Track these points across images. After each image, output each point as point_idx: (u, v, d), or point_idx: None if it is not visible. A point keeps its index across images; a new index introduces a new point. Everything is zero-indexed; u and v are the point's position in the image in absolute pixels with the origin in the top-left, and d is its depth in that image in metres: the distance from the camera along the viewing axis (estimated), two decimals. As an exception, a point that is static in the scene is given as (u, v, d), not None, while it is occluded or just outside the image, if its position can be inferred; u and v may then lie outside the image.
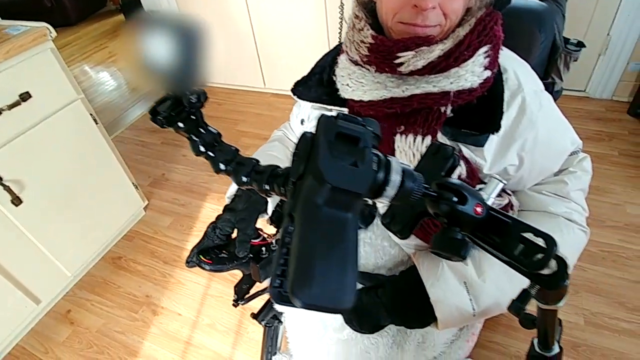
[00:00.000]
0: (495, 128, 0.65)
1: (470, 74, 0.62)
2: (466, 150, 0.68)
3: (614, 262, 1.56)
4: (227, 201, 0.88)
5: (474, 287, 0.67)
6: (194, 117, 0.40)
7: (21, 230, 1.47)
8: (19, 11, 4.19)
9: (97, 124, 1.69)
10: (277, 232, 1.03)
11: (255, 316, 1.03)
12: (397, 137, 0.66)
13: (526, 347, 0.59)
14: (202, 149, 0.42)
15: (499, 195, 0.74)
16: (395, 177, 0.32)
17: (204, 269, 0.81)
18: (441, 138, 0.66)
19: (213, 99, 3.07)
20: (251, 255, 0.90)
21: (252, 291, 1.03)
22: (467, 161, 0.67)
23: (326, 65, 0.81)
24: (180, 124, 0.40)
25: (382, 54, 0.63)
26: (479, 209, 0.34)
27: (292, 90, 0.83)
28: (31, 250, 1.52)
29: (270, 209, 0.88)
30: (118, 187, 1.88)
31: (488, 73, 0.63)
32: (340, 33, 1.31)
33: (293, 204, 0.29)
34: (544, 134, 0.68)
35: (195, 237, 1.95)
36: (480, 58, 0.62)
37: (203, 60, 0.35)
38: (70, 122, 1.59)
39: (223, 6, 2.68)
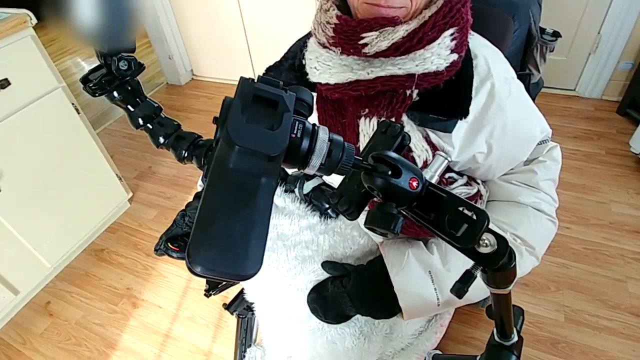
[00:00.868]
0: (463, 114, 0.64)
1: (437, 57, 0.61)
2: (434, 137, 0.66)
3: (597, 260, 1.55)
4: (198, 188, 0.86)
5: (438, 276, 0.66)
6: (129, 88, 0.39)
7: (-2, 219, 1.44)
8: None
9: (79, 113, 1.67)
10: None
11: (227, 307, 1.02)
12: (361, 120, 0.65)
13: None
14: (140, 121, 0.40)
15: (468, 184, 0.73)
16: (321, 146, 0.30)
17: (171, 256, 0.80)
18: (408, 123, 0.65)
19: (203, 92, 3.05)
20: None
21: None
22: (434, 147, 0.66)
23: (297, 50, 0.80)
24: (116, 94, 0.38)
25: (347, 35, 0.61)
26: (414, 183, 0.33)
27: (263, 75, 0.82)
28: (8, 240, 1.50)
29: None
30: (101, 178, 1.85)
31: (455, 56, 0.62)
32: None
33: (207, 169, 0.28)
34: (513, 121, 0.66)
35: (179, 230, 1.93)
36: (446, 40, 0.61)
37: (130, 18, 0.33)
38: (51, 111, 1.56)
39: (214, -1, 2.66)
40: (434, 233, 0.34)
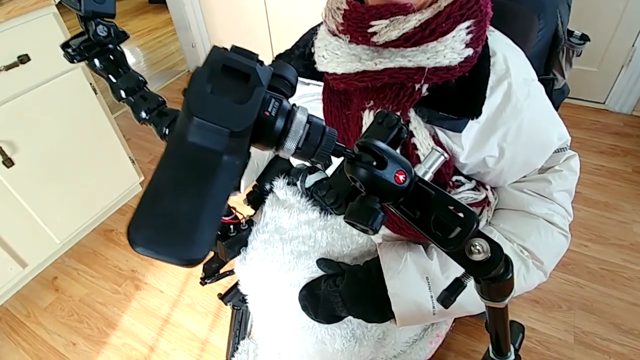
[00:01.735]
0: (476, 113, 0.60)
1: (450, 51, 0.57)
2: (442, 135, 0.63)
3: (614, 282, 1.47)
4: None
5: (436, 283, 0.63)
6: (112, 57, 0.37)
7: (11, 191, 1.47)
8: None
9: (96, 94, 1.68)
10: (255, 213, 1.00)
11: (222, 297, 1.00)
12: (365, 113, 0.61)
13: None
14: (122, 93, 0.38)
15: (476, 189, 0.69)
16: (297, 128, 0.27)
17: None
18: (415, 119, 0.61)
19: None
20: (219, 233, 0.87)
21: (223, 270, 1.00)
22: (442, 147, 0.62)
23: (309, 38, 0.77)
24: (97, 62, 0.36)
25: (355, 22, 0.58)
26: (401, 177, 0.29)
27: (273, 62, 0.80)
28: (20, 213, 1.53)
29: (243, 187, 0.85)
30: (114, 160, 1.87)
31: (470, 51, 0.58)
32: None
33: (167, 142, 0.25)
34: (529, 125, 0.62)
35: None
36: (461, 33, 0.57)
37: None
38: (68, 90, 1.58)
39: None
40: (420, 233, 0.31)
